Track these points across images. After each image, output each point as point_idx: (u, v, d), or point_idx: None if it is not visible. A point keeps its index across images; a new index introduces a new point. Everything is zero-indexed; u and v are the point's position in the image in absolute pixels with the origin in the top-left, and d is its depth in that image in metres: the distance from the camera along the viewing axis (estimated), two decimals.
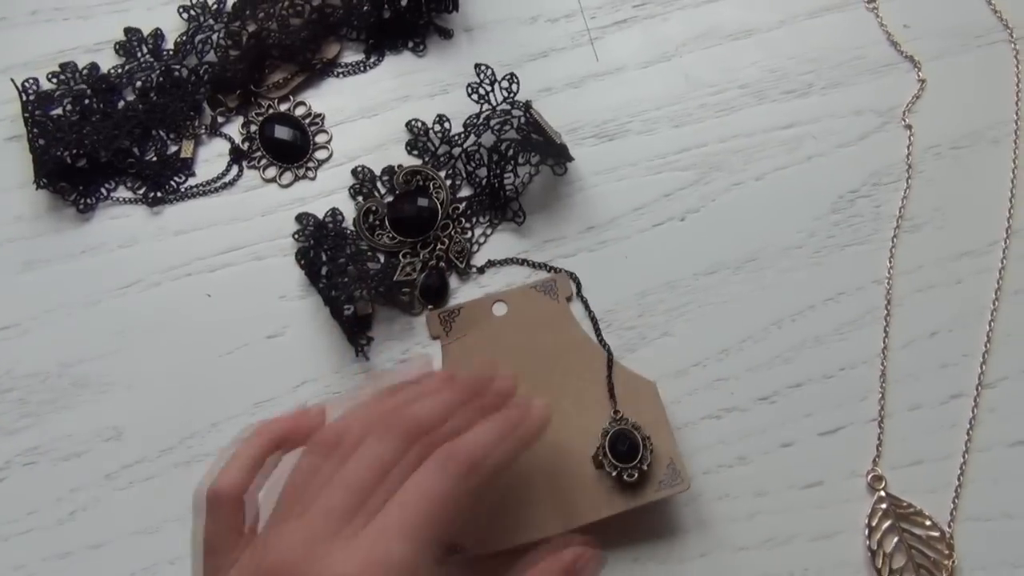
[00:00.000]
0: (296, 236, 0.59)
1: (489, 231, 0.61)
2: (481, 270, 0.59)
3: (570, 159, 0.60)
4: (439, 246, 0.59)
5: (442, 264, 0.59)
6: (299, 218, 0.60)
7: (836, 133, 0.62)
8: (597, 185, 0.61)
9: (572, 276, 0.59)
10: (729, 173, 0.61)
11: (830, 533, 0.54)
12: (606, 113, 0.63)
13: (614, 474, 0.52)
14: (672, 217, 0.61)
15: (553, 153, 0.59)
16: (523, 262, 0.59)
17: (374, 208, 0.60)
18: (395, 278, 0.57)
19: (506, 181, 0.60)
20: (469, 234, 0.61)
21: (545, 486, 0.53)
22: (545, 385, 0.56)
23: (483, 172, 0.60)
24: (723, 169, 0.61)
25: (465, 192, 0.61)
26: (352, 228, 0.60)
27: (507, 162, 0.59)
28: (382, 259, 0.59)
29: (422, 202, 0.59)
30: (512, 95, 0.61)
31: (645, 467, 0.52)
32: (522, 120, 0.59)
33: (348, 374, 0.58)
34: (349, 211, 0.60)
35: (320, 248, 0.57)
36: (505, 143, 0.58)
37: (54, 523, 0.55)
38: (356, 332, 0.57)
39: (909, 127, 0.61)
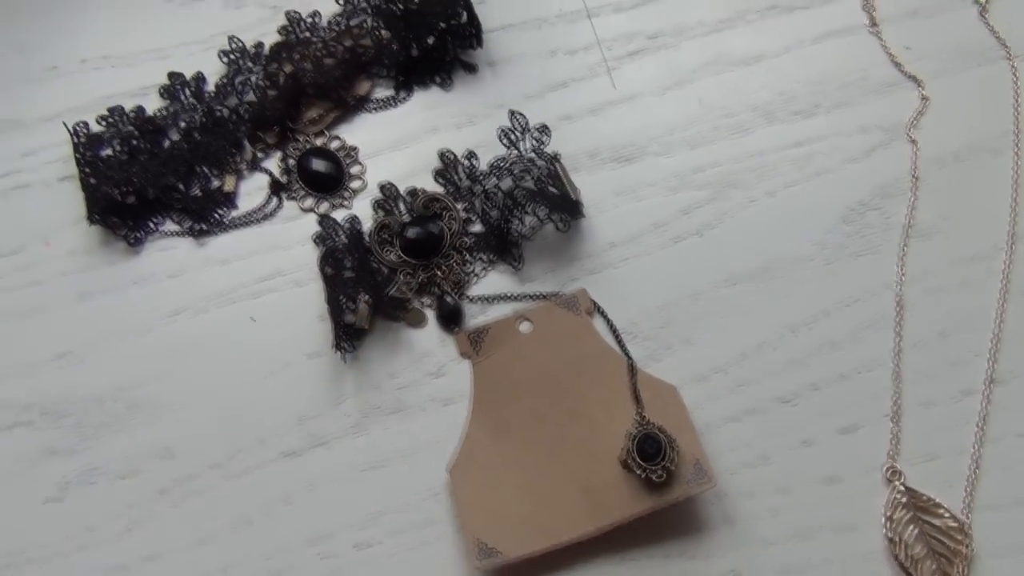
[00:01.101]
0: (315, 238, 0.62)
1: (487, 269, 0.63)
2: (473, 300, 0.62)
3: (581, 215, 0.63)
4: (438, 272, 0.62)
5: (436, 290, 0.62)
6: (321, 222, 0.63)
7: (843, 149, 0.65)
8: (618, 205, 0.64)
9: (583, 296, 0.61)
10: (743, 190, 0.64)
11: (851, 526, 0.55)
12: (624, 137, 0.66)
13: (642, 475, 0.54)
14: (690, 233, 0.63)
15: (566, 207, 0.62)
16: (512, 297, 0.62)
17: (389, 224, 0.63)
18: (389, 292, 0.60)
19: (513, 226, 0.62)
20: (469, 267, 0.63)
21: (576, 489, 0.56)
22: (572, 395, 0.58)
23: (495, 213, 0.62)
24: (737, 186, 0.64)
25: (477, 228, 0.64)
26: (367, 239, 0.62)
27: (518, 208, 0.62)
28: (385, 273, 0.62)
29: (432, 228, 0.62)
30: (541, 145, 0.64)
31: (672, 466, 0.54)
32: (544, 172, 0.62)
33: (388, 389, 0.60)
34: None
35: (337, 253, 0.60)
36: (520, 190, 0.61)
37: (112, 538, 0.57)
38: (345, 337, 0.59)
39: (914, 141, 0.64)
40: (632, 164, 0.65)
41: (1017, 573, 0.54)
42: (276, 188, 0.67)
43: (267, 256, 0.64)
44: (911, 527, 0.54)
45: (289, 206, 0.66)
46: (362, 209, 0.65)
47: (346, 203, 0.66)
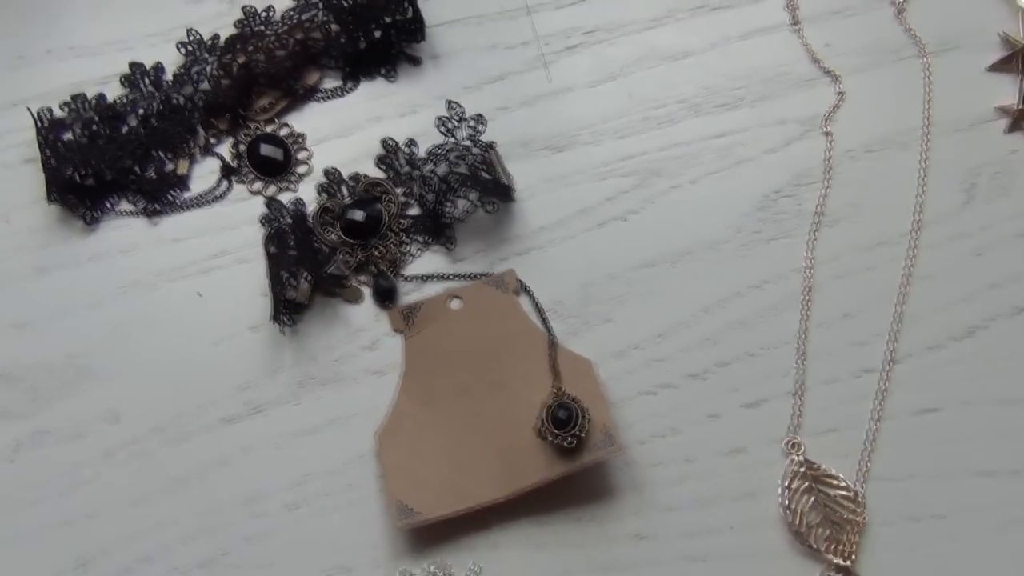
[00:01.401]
0: (262, 220, 0.64)
1: (423, 250, 0.66)
2: (407, 279, 0.64)
3: (512, 200, 0.65)
4: (376, 252, 0.65)
5: (373, 269, 0.64)
6: (268, 204, 0.65)
7: (763, 141, 0.67)
8: (548, 191, 0.67)
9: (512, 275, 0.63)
10: (667, 178, 0.66)
11: (751, 494, 0.58)
12: (557, 127, 0.68)
13: (554, 441, 0.57)
14: (615, 217, 0.66)
15: (497, 192, 0.64)
16: (444, 276, 0.65)
17: (331, 207, 0.65)
18: (328, 270, 0.63)
19: (447, 210, 0.65)
20: (406, 248, 0.65)
21: (493, 456, 0.58)
22: (496, 369, 0.61)
23: (431, 197, 0.65)
24: (662, 174, 0.66)
25: (414, 212, 0.66)
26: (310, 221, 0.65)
27: (451, 192, 0.64)
28: (326, 252, 0.64)
29: (371, 211, 0.65)
30: (477, 133, 0.66)
31: (582, 434, 0.57)
32: (478, 158, 0.64)
33: (324, 362, 0.62)
34: None
35: (282, 233, 0.63)
36: (454, 175, 0.64)
37: (58, 496, 0.60)
38: (286, 312, 0.62)
39: (828, 134, 0.66)
40: (563, 153, 0.67)
41: (905, 539, 0.56)
42: (227, 172, 0.69)
43: (216, 235, 0.67)
44: (807, 496, 0.56)
45: (239, 189, 0.68)
46: (307, 193, 0.67)
47: (292, 187, 0.68)
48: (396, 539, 0.58)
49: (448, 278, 0.64)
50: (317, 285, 0.64)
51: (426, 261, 0.65)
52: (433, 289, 0.64)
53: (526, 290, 0.63)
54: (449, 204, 0.65)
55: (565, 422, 0.57)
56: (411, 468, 0.58)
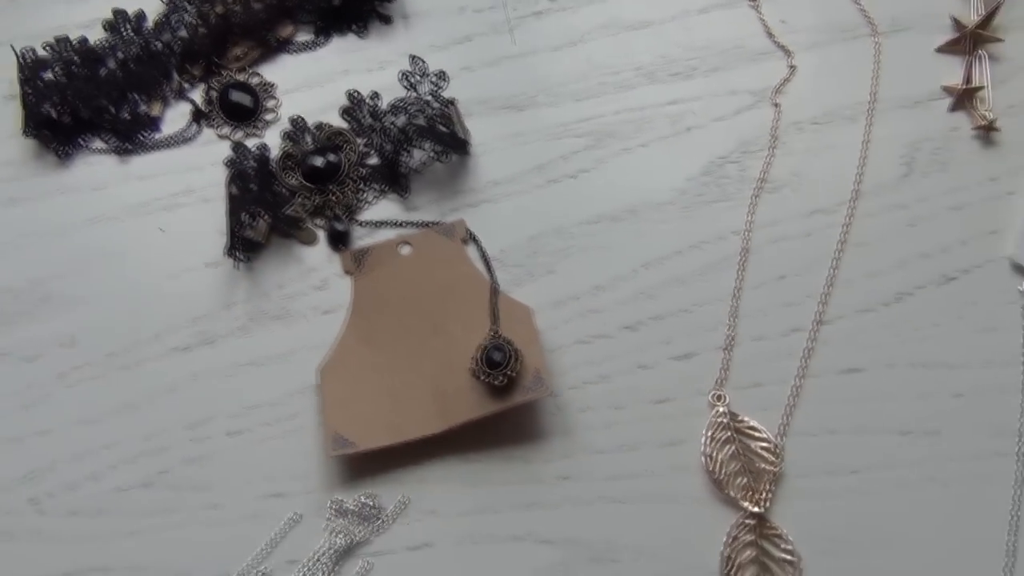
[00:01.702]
0: (226, 162, 0.65)
1: (379, 197, 0.67)
2: (361, 224, 0.66)
3: (467, 154, 0.67)
4: (332, 198, 0.66)
5: (329, 212, 0.65)
6: (234, 147, 0.67)
7: (713, 109, 0.68)
8: (504, 148, 0.68)
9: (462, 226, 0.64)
10: (620, 140, 0.67)
11: (674, 442, 0.58)
12: (517, 88, 0.69)
13: (486, 380, 0.58)
14: (566, 175, 0.67)
15: (453, 145, 0.66)
16: (397, 223, 0.66)
17: (294, 153, 0.66)
18: (284, 211, 0.64)
19: (403, 159, 0.66)
20: (362, 195, 0.67)
21: (429, 394, 0.59)
22: (438, 312, 0.62)
23: (389, 147, 0.66)
24: (615, 136, 0.67)
25: (373, 161, 0.67)
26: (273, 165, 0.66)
27: (408, 143, 0.65)
28: (286, 195, 0.65)
29: (331, 158, 0.66)
30: (438, 89, 0.67)
31: (513, 374, 0.57)
32: (436, 112, 0.65)
33: (275, 298, 0.63)
34: None
35: (244, 175, 0.64)
36: (412, 127, 0.65)
37: (9, 413, 0.61)
38: (242, 249, 0.63)
39: (777, 105, 0.67)
40: (521, 112, 0.68)
41: (819, 491, 0.57)
42: (197, 115, 0.70)
43: (182, 175, 0.68)
44: (727, 446, 0.57)
45: (208, 133, 0.70)
46: (273, 139, 0.68)
47: (259, 133, 0.70)
48: (331, 469, 0.59)
49: (400, 225, 0.65)
50: (274, 226, 0.65)
51: (381, 208, 0.66)
52: (386, 235, 0.65)
53: (474, 239, 0.64)
54: (406, 154, 0.66)
55: (499, 363, 0.57)
56: (349, 402, 0.59)
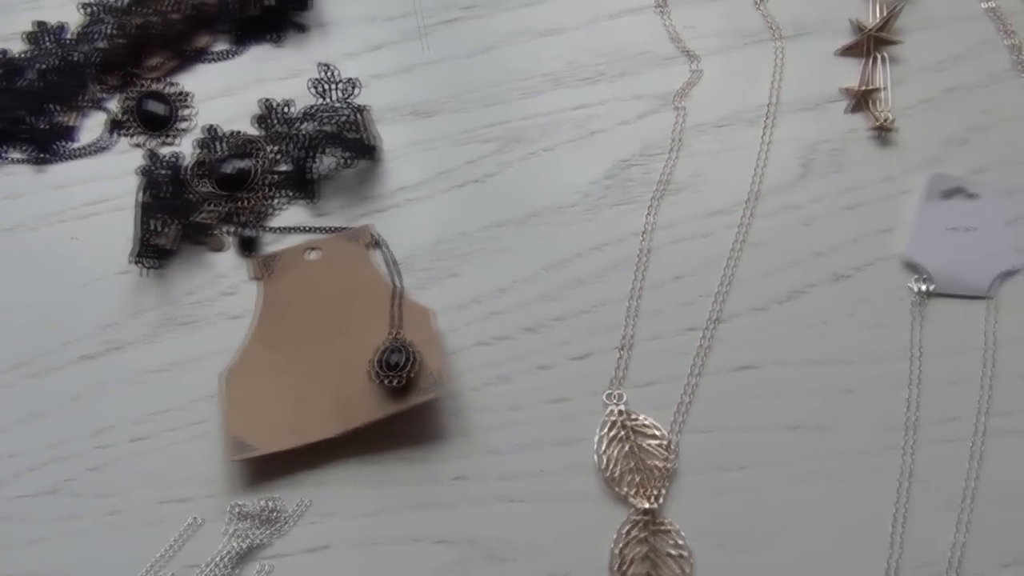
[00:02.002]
0: (138, 170, 0.65)
1: (288, 204, 0.67)
2: (270, 230, 0.65)
3: (376, 160, 0.67)
4: (242, 204, 0.66)
5: (238, 218, 0.65)
6: (148, 155, 0.66)
7: (618, 113, 0.68)
8: (411, 154, 0.68)
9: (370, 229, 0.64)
10: (526, 145, 0.67)
11: (570, 441, 0.58)
12: (427, 94, 0.69)
13: (383, 382, 0.57)
14: (473, 180, 0.67)
15: (361, 152, 0.66)
16: (305, 229, 0.66)
17: (206, 160, 0.66)
18: (193, 218, 0.64)
19: (312, 165, 0.66)
20: (272, 201, 0.67)
21: (330, 397, 0.59)
22: (342, 316, 0.62)
23: (298, 153, 0.66)
24: (521, 141, 0.67)
25: (285, 168, 0.67)
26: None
27: (316, 149, 0.65)
28: (196, 203, 0.65)
29: (240, 164, 0.66)
30: (348, 96, 0.67)
31: (411, 375, 0.57)
32: (344, 119, 0.65)
33: (183, 304, 0.63)
34: None
35: (156, 183, 0.64)
36: (321, 133, 0.65)
37: None
38: (153, 256, 0.63)
39: (680, 108, 0.67)
40: (430, 118, 0.69)
41: (711, 487, 0.56)
42: (114, 125, 0.70)
43: (97, 184, 0.68)
44: (621, 444, 0.57)
45: (124, 142, 0.69)
46: (188, 148, 0.68)
47: (174, 142, 0.70)
48: (233, 474, 0.58)
49: (309, 231, 0.65)
50: (184, 233, 0.65)
51: (291, 215, 0.67)
52: (294, 241, 0.65)
53: (381, 243, 0.64)
54: (315, 160, 0.66)
55: (398, 365, 0.57)
56: (251, 406, 0.59)
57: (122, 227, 0.65)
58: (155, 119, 0.70)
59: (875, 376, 0.58)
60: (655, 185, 0.65)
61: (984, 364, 0.58)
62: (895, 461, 0.56)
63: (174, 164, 0.66)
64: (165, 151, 0.68)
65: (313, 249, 0.64)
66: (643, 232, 0.63)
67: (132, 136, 0.70)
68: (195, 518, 0.57)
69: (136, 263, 0.62)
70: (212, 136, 0.68)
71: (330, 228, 0.65)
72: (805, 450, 0.57)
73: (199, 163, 0.67)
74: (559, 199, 0.65)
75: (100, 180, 0.68)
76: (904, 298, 0.61)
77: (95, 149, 0.69)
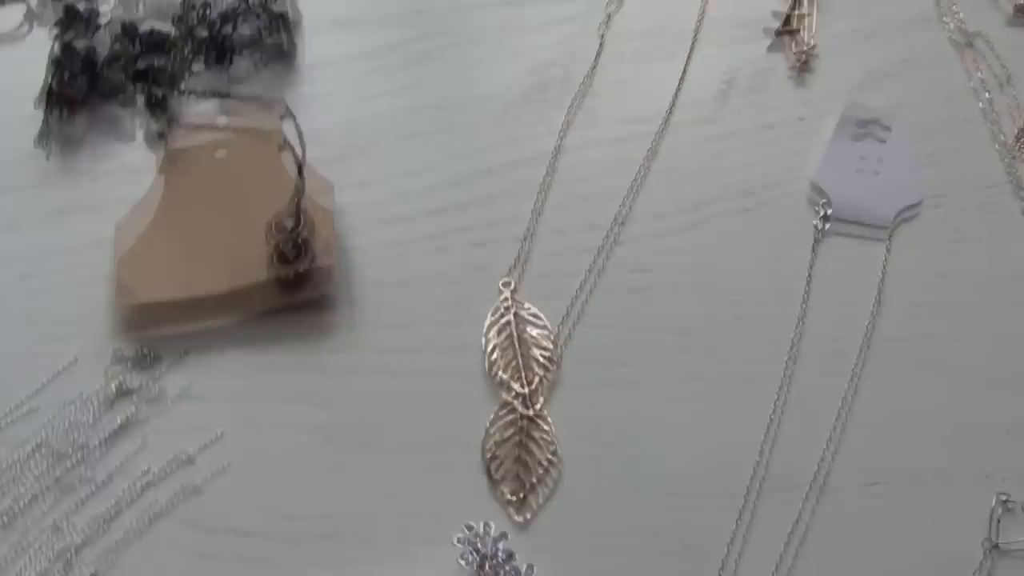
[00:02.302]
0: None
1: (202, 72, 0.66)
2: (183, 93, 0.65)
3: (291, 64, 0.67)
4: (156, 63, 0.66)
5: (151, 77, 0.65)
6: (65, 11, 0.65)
7: (548, 12, 0.70)
8: (335, 32, 0.69)
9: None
10: (449, 35, 0.69)
11: (457, 323, 0.57)
12: None
13: (275, 243, 0.56)
14: (394, 64, 0.67)
15: (278, 56, 0.67)
16: (219, 94, 0.65)
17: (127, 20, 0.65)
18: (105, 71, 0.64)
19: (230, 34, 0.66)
20: (187, 64, 0.66)
21: (222, 255, 0.58)
22: (248, 209, 0.60)
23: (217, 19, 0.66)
24: (446, 33, 0.69)
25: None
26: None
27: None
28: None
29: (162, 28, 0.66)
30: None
31: (301, 239, 0.56)
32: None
33: (88, 156, 0.62)
34: None
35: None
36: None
37: None
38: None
39: (610, 13, 0.66)
40: None
41: (589, 378, 0.56)
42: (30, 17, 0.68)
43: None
44: (507, 329, 0.56)
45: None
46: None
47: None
48: (117, 320, 0.57)
49: (223, 96, 0.64)
50: (93, 85, 0.63)
51: (204, 80, 0.65)
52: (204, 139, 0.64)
53: (291, 115, 0.62)
54: (232, 32, 0.64)
55: (292, 229, 0.56)
56: (144, 257, 0.58)
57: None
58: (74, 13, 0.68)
59: (768, 296, 0.58)
60: (576, 86, 0.64)
61: (875, 295, 0.57)
62: (775, 379, 0.55)
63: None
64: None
65: (221, 148, 0.62)
66: (559, 131, 0.62)
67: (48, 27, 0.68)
68: (73, 357, 0.56)
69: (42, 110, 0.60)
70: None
71: (244, 97, 0.63)
72: (689, 356, 0.56)
73: (114, 57, 0.65)
74: (479, 91, 0.65)
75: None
76: (806, 223, 0.60)
77: (10, 38, 0.68)
